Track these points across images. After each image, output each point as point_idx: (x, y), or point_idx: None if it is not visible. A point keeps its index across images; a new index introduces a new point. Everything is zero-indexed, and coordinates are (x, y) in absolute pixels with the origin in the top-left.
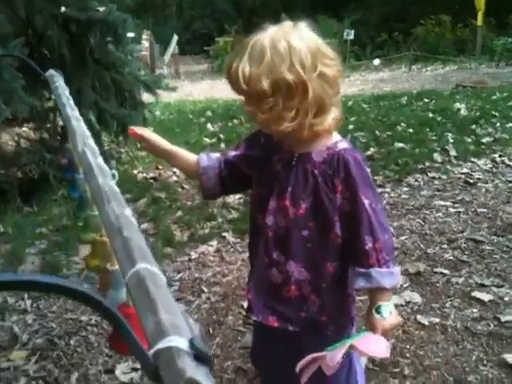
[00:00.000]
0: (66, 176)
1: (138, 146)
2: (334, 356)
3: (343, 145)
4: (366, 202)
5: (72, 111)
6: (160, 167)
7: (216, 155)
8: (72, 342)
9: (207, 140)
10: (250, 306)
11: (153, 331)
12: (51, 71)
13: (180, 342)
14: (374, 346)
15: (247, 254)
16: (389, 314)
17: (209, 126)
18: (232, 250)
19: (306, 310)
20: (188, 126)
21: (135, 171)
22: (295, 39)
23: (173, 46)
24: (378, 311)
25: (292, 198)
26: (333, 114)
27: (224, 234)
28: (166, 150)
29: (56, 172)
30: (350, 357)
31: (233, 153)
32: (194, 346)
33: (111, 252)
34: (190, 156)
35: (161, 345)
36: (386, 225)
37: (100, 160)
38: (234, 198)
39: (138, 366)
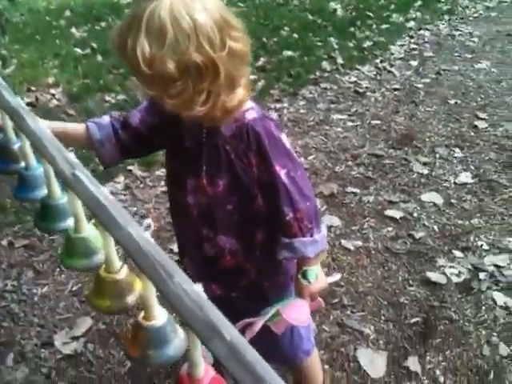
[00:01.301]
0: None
1: None
2: (256, 323)
3: (251, 114)
4: (283, 172)
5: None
6: (33, 88)
7: (106, 120)
8: None
9: (79, 51)
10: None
11: None
12: None
13: None
14: (295, 313)
15: (159, 189)
16: (315, 277)
17: (73, 30)
18: (142, 185)
19: (245, 278)
20: (48, 31)
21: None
22: (198, 11)
23: None
24: (305, 276)
25: (208, 177)
26: (242, 86)
27: (129, 167)
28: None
29: None
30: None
31: (135, 118)
32: None
33: (124, 290)
34: (77, 130)
35: None
36: (307, 191)
37: (104, 190)
38: None
39: (78, 333)
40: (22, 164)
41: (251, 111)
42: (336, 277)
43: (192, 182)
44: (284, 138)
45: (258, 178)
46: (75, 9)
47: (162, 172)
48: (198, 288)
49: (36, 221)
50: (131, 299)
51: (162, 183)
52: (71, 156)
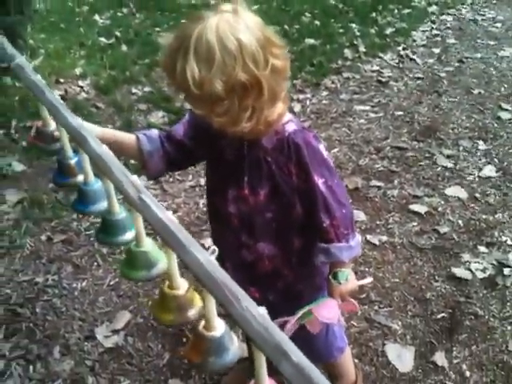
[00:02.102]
0: (57, 182)
1: None
2: (289, 322)
3: (291, 126)
4: (321, 181)
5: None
6: (61, 80)
7: (154, 133)
8: (38, 309)
9: (104, 40)
10: None
11: None
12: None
13: None
14: (326, 312)
15: (188, 184)
16: (345, 279)
17: (96, 17)
18: (171, 179)
19: (282, 282)
20: (72, 18)
21: None
22: (243, 31)
23: None
24: (335, 277)
25: (250, 187)
26: (281, 100)
27: None
28: (111, 142)
29: None
30: None
31: (178, 131)
32: None
33: (185, 305)
34: (129, 140)
35: None
36: (343, 199)
37: (169, 213)
38: (157, 118)
39: (118, 326)
40: (79, 178)
41: (291, 123)
42: (367, 280)
43: (233, 192)
44: (322, 147)
45: (297, 187)
46: None
47: (189, 167)
48: (263, 311)
49: (98, 235)
50: (192, 313)
51: (190, 177)
52: (135, 179)
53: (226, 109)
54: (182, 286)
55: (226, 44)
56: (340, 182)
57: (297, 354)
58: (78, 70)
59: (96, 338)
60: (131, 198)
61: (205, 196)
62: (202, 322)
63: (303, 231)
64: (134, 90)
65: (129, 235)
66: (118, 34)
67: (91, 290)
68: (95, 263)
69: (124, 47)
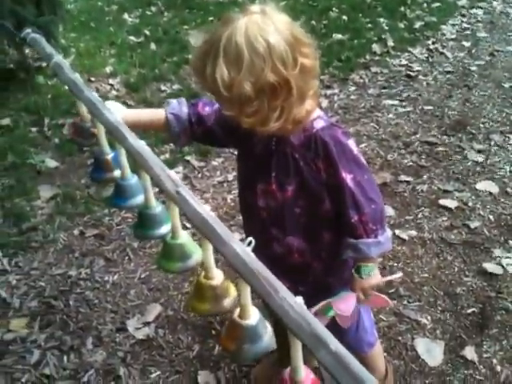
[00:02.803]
0: (94, 178)
1: None
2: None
3: (320, 123)
4: (349, 177)
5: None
6: (93, 79)
7: (184, 111)
8: (71, 302)
9: (133, 39)
10: None
11: None
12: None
13: None
14: (343, 305)
15: (216, 179)
16: (368, 274)
17: (125, 16)
18: (200, 175)
19: (311, 275)
20: (101, 17)
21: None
22: (271, 33)
23: None
24: (358, 271)
25: (277, 183)
26: (310, 97)
27: (187, 157)
28: (141, 125)
29: None
30: (358, 307)
31: (210, 117)
32: None
33: (221, 295)
34: (158, 121)
35: None
36: (373, 194)
37: (206, 207)
38: None
39: (148, 319)
40: (116, 173)
41: (319, 120)
42: (397, 275)
43: (262, 186)
44: (351, 143)
45: (326, 182)
46: None
47: (217, 162)
48: (300, 300)
49: (135, 228)
50: (227, 303)
51: (218, 173)
52: (173, 174)
53: (255, 109)
54: (218, 276)
55: (255, 45)
56: (371, 177)
57: (334, 343)
58: (108, 69)
59: (127, 330)
60: (169, 192)
61: (233, 191)
62: (237, 311)
63: (332, 225)
64: (163, 88)
65: (165, 228)
66: (147, 32)
67: (123, 283)
68: (126, 257)
69: (153, 45)
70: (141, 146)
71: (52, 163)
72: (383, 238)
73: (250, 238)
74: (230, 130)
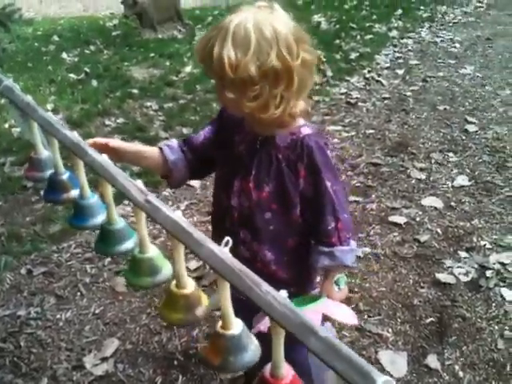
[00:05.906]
0: (50, 199)
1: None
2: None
3: (306, 130)
4: (329, 184)
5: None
6: None
7: (174, 143)
8: (22, 343)
9: (73, 76)
10: None
11: None
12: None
13: None
14: (339, 312)
15: (184, 204)
16: (344, 285)
17: (64, 55)
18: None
19: (274, 282)
20: (39, 57)
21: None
22: (278, 23)
23: None
24: (337, 283)
25: (256, 181)
26: (303, 99)
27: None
28: (133, 153)
29: None
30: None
31: (199, 138)
32: None
33: (193, 304)
34: (152, 152)
35: None
36: (345, 204)
37: (178, 212)
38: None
39: (106, 354)
40: (72, 193)
41: (306, 128)
42: None
43: (238, 183)
44: (329, 154)
45: (302, 189)
46: (63, 34)
47: (168, 192)
48: (284, 293)
49: (97, 245)
50: (199, 312)
51: (170, 203)
52: (139, 183)
53: (256, 94)
54: (190, 284)
55: (263, 31)
56: (342, 188)
57: (322, 330)
58: (49, 106)
59: (85, 367)
60: (138, 202)
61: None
62: (219, 323)
63: (299, 234)
64: (107, 122)
65: (129, 244)
66: (87, 69)
67: (76, 319)
68: (78, 293)
69: (94, 82)
70: (103, 159)
71: None
72: (354, 246)
73: (228, 238)
74: (217, 142)
